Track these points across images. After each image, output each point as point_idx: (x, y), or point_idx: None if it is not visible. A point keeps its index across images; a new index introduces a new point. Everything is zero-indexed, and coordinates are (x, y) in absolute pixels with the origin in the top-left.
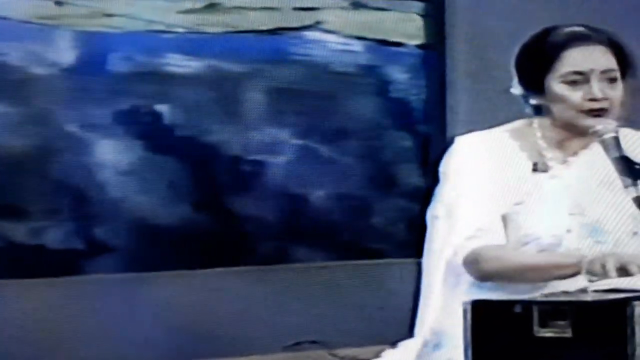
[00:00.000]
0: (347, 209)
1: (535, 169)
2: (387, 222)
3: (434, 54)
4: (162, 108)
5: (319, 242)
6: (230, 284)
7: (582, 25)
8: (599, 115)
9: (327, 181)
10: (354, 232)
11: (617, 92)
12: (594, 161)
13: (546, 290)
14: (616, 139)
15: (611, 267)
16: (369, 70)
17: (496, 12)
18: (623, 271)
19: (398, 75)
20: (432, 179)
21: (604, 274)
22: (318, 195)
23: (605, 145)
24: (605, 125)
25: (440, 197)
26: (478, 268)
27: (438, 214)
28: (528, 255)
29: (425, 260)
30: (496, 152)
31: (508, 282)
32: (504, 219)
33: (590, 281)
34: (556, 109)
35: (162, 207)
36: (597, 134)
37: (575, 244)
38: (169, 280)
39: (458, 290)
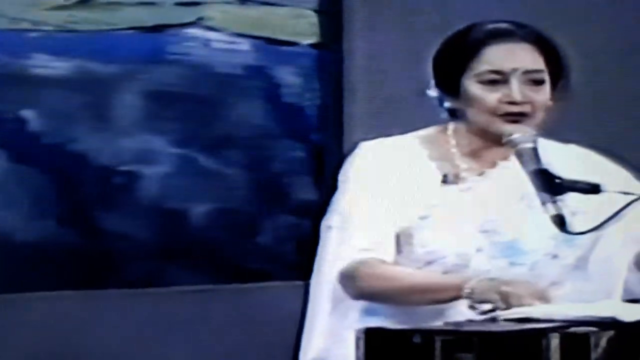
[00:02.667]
0: (230, 226)
1: (444, 180)
2: (275, 240)
3: (329, 55)
4: (26, 114)
5: (197, 263)
6: (97, 308)
7: (509, 22)
8: (516, 121)
9: (209, 195)
10: (237, 252)
11: (541, 95)
12: (514, 174)
13: (451, 318)
14: (534, 150)
15: (495, 297)
16: (257, 71)
17: (399, 8)
18: (507, 302)
19: (289, 77)
20: (327, 193)
21: (487, 303)
22: (198, 210)
23: (521, 156)
24: (521, 134)
25: (336, 207)
26: (353, 285)
27: (332, 224)
28: (409, 274)
29: (314, 279)
30: (402, 160)
31: (385, 303)
32: (405, 233)
33: (472, 308)
34: (470, 112)
35: (24, 223)
36: (511, 144)
37: (485, 265)
38: (30, 302)
39: (350, 315)
